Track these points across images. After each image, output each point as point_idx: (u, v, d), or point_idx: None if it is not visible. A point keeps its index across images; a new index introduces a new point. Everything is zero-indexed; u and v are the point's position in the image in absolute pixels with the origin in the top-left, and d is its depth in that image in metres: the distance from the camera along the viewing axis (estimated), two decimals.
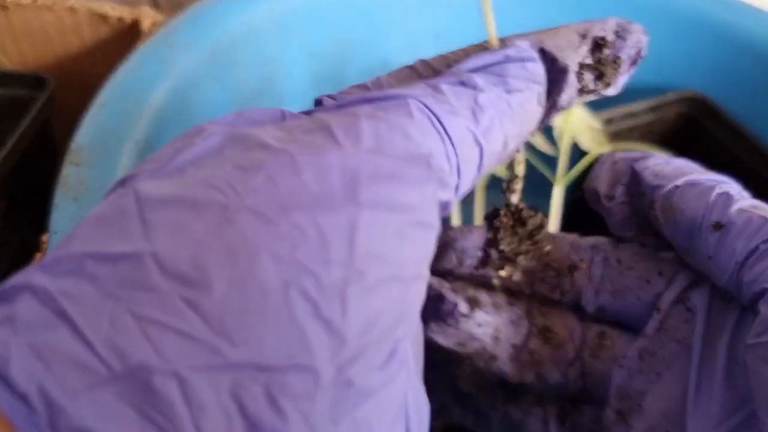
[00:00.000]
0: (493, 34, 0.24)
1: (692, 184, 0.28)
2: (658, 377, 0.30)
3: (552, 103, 0.22)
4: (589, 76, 0.24)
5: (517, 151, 0.27)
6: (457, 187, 0.19)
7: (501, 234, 0.28)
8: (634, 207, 0.32)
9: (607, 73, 0.24)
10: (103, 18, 0.64)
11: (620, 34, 0.25)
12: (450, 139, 0.18)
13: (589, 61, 0.23)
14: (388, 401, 0.16)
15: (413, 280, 0.17)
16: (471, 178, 0.20)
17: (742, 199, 0.27)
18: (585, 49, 0.24)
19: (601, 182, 0.32)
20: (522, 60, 0.21)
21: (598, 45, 0.24)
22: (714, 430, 0.27)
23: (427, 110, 0.18)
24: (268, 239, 0.15)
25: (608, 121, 0.63)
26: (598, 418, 0.31)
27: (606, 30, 0.25)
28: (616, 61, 0.25)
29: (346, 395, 0.15)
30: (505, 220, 0.28)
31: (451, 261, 0.31)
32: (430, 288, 0.30)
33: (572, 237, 0.33)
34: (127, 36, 0.64)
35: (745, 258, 0.25)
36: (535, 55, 0.21)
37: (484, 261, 0.29)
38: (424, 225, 0.17)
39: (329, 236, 0.15)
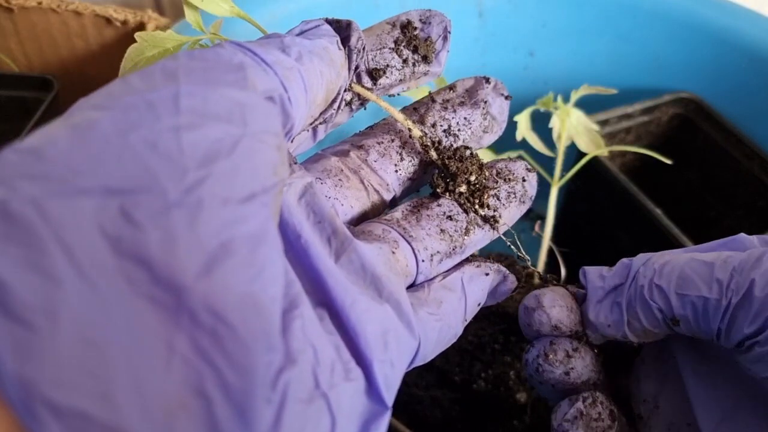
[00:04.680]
0: None
1: None
2: (666, 377, 0.33)
3: (349, 48, 0.29)
4: (406, 51, 0.31)
5: (362, 104, 0.32)
6: (289, 99, 0.24)
7: (449, 182, 0.32)
8: None
9: (420, 47, 0.32)
10: (108, 21, 0.65)
11: (424, 20, 0.32)
12: (263, 60, 0.24)
13: (403, 41, 0.31)
14: (250, 232, 0.20)
15: (262, 134, 0.22)
16: (302, 95, 0.25)
17: None
18: (397, 32, 0.31)
19: None
20: (316, 26, 0.28)
21: (406, 27, 0.31)
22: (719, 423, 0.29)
23: (237, 46, 0.24)
24: (104, 115, 0.19)
25: (604, 123, 0.64)
26: None
27: (410, 17, 0.32)
28: (427, 40, 0.32)
29: (202, 216, 0.19)
30: (438, 180, 0.32)
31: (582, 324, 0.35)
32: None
33: None
34: (131, 39, 0.65)
35: None
36: (322, 21, 0.29)
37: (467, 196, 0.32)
38: (254, 101, 0.22)
39: (155, 102, 0.20)
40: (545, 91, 0.55)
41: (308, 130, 0.30)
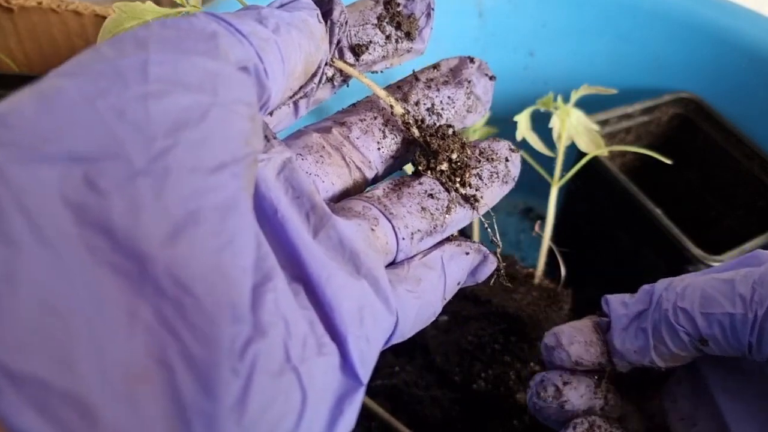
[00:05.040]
0: None
1: None
2: (700, 395, 0.33)
3: (331, 22, 0.29)
4: (389, 28, 0.32)
5: (341, 80, 0.32)
6: (265, 70, 0.24)
7: (431, 160, 0.32)
8: None
9: (403, 23, 0.32)
10: None
11: None
12: (238, 30, 0.23)
13: (386, 17, 0.31)
14: (220, 202, 0.19)
15: (234, 104, 0.21)
16: (279, 67, 0.24)
17: None
18: (380, 8, 0.31)
19: None
20: None
21: (389, 3, 0.32)
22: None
23: (212, 16, 0.23)
24: (72, 82, 0.19)
25: (604, 123, 0.64)
26: None
27: None
28: (410, 17, 0.32)
29: (168, 184, 0.18)
30: (420, 158, 0.32)
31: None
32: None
33: None
34: None
35: None
36: None
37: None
38: (226, 71, 0.22)
39: (124, 70, 0.20)
40: (545, 91, 0.55)
41: (289, 106, 0.30)
